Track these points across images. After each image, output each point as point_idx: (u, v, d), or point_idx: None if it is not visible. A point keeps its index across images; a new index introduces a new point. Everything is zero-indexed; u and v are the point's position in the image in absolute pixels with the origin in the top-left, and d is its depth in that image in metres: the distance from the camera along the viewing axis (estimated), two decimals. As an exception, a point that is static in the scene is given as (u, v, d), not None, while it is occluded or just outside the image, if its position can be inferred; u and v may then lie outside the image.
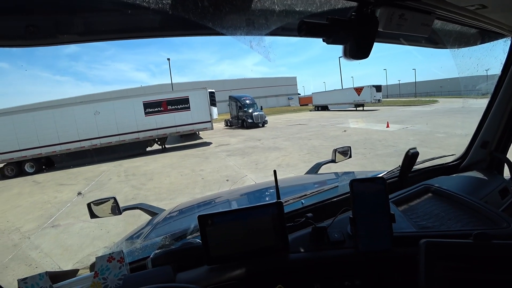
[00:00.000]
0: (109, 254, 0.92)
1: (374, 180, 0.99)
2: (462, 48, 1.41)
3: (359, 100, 31.16)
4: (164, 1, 0.61)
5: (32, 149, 14.22)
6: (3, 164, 14.12)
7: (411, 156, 1.43)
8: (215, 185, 7.14)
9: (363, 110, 30.43)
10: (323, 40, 0.74)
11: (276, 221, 0.97)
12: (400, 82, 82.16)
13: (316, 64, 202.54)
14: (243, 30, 0.73)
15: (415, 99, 48.01)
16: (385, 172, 1.61)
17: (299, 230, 1.12)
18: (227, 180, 7.42)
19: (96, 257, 0.92)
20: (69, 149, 14.77)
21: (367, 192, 0.97)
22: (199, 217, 0.94)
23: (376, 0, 0.79)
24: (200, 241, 1.00)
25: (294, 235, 1.08)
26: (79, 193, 7.87)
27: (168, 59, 39.57)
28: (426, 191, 1.35)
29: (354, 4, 0.80)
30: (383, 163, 7.30)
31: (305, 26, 0.68)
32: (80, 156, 14.79)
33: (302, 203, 1.34)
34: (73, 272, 1.00)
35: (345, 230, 1.06)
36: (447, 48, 1.39)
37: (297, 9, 0.78)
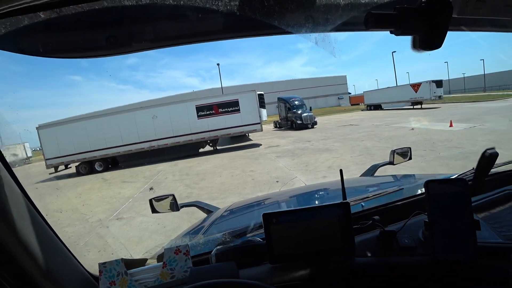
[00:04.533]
0: (176, 246, 0.97)
1: (453, 182, 0.89)
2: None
3: (416, 97, 28.65)
4: (231, 3, 0.63)
5: (100, 150, 16.00)
6: (78, 163, 16.14)
7: (488, 157, 1.25)
8: (265, 186, 7.20)
9: (421, 108, 27.97)
10: (391, 32, 0.70)
11: (342, 222, 0.93)
12: (465, 75, 74.24)
13: (367, 61, 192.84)
14: (307, 27, 0.72)
15: (484, 93, 42.91)
16: (456, 175, 1.44)
17: (365, 233, 1.05)
18: (277, 181, 7.42)
19: (164, 249, 0.98)
20: (131, 150, 16.25)
21: (446, 194, 0.86)
22: (264, 215, 0.93)
23: None
24: (261, 239, 1.01)
25: (359, 237, 1.02)
26: (151, 188, 8.56)
27: (218, 64, 41.19)
28: (510, 198, 1.19)
29: None
30: (446, 166, 6.62)
31: (373, 18, 0.65)
32: (140, 156, 16.18)
33: (362, 206, 1.27)
34: (143, 261, 1.08)
35: (416, 235, 0.97)
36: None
37: (363, 1, 0.75)
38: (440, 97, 27.70)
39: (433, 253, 0.86)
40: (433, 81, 27.25)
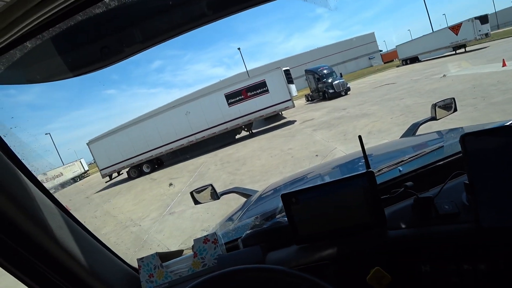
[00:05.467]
0: (205, 236, 1.02)
1: (496, 132, 0.72)
2: None
3: (458, 40, 25.40)
4: None
5: (145, 153, 17.09)
6: (128, 168, 17.49)
7: None
8: (305, 161, 7.14)
9: (465, 51, 24.89)
10: None
11: (368, 194, 0.84)
12: (517, 2, 64.59)
13: (394, 12, 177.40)
14: None
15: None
16: (510, 122, 1.23)
17: (397, 202, 0.94)
18: (317, 155, 7.33)
19: (194, 240, 1.03)
20: (172, 148, 17.12)
21: (488, 149, 0.72)
22: (283, 195, 0.89)
23: None
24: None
25: (391, 208, 0.91)
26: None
27: (239, 49, 40.84)
28: None
29: None
30: (502, 113, 5.84)
31: None
32: (182, 152, 16.99)
33: (400, 171, 1.14)
34: (179, 252, 1.15)
35: (458, 200, 0.83)
36: None
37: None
38: (487, 34, 24.41)
39: (477, 220, 0.73)
40: (476, 18, 23.95)
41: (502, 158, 0.71)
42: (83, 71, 0.79)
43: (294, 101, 17.14)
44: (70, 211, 0.92)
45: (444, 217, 0.80)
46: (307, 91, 26.31)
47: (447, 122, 2.11)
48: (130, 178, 17.20)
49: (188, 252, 1.11)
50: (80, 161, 29.86)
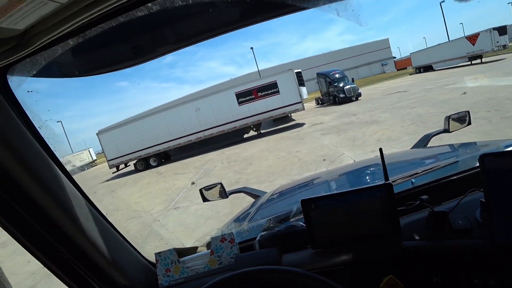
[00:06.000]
0: (222, 235, 1.05)
1: None
2: None
3: (474, 51, 24.82)
4: None
5: (153, 147, 17.25)
6: (135, 161, 17.69)
7: None
8: (312, 165, 7.14)
9: (481, 63, 24.28)
10: None
11: (385, 205, 0.88)
12: (536, 17, 63.27)
13: (410, 18, 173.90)
14: None
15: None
16: None
17: (412, 213, 0.98)
18: (324, 159, 7.32)
19: (211, 238, 1.06)
20: (180, 143, 17.24)
21: (506, 170, 0.74)
22: (302, 201, 0.92)
23: None
24: (304, 224, 1.01)
25: (406, 219, 0.95)
26: (193, 183, 9.05)
27: (251, 48, 40.87)
28: None
29: None
30: (517, 127, 5.80)
31: None
32: (189, 148, 17.13)
33: (412, 183, 1.17)
34: (193, 249, 1.18)
35: (472, 216, 0.86)
36: None
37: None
38: (504, 46, 23.75)
39: (491, 237, 0.76)
40: (494, 29, 23.45)
41: None
42: (115, 67, 0.83)
43: (304, 104, 17.09)
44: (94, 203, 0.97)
45: (458, 232, 0.83)
46: (318, 94, 26.21)
47: (460, 133, 2.09)
48: (136, 170, 17.40)
49: (203, 250, 1.15)
50: (89, 150, 30.32)
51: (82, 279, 0.86)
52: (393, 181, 1.17)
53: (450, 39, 31.73)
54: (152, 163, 17.46)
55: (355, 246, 0.91)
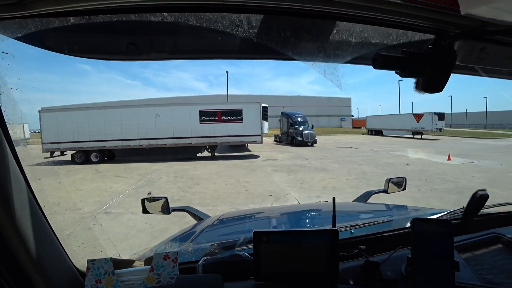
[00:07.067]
0: (166, 252, 0.98)
1: (439, 222, 0.94)
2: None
3: (418, 127, 29.25)
4: (250, 30, 0.67)
5: (99, 142, 15.95)
6: (74, 151, 16.12)
7: (479, 198, 1.28)
8: (258, 198, 7.18)
9: (421, 138, 28.42)
10: (396, 73, 0.73)
11: (329, 249, 0.95)
12: (468, 111, 75.41)
13: (373, 86, 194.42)
14: (318, 58, 0.76)
15: (485, 131, 43.51)
16: (446, 212, 1.48)
17: (350, 260, 1.08)
18: (271, 195, 7.40)
19: (154, 253, 0.99)
20: (129, 145, 16.23)
21: (430, 234, 0.91)
22: (255, 232, 0.95)
23: (456, 34, 0.76)
24: (249, 255, 1.02)
25: (345, 264, 1.04)
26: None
27: (227, 72, 41.49)
28: (495, 241, 1.21)
29: (431, 37, 0.78)
30: (440, 200, 6.65)
31: (381, 59, 0.68)
32: (138, 153, 16.21)
33: (352, 233, 1.29)
34: (130, 262, 1.09)
35: (398, 269, 1.00)
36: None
37: (373, 41, 0.79)
38: (441, 129, 28.26)
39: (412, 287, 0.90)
40: (435, 113, 27.80)
41: (438, 244, 0.91)
42: (104, 57, 0.82)
43: (263, 138, 17.49)
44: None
45: (386, 282, 0.95)
46: (278, 132, 27.12)
47: (395, 195, 2.33)
48: (73, 162, 15.84)
49: (139, 264, 1.06)
50: (23, 126, 27.08)
51: None
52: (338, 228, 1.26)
53: (401, 113, 36.15)
54: (93, 158, 16.08)
55: (296, 284, 0.96)
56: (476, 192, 1.29)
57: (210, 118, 16.59)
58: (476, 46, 0.79)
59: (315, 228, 0.99)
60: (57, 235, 0.93)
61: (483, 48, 0.80)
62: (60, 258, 0.93)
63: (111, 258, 0.95)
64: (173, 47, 0.80)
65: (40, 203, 0.87)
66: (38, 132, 17.21)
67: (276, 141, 26.72)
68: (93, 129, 15.90)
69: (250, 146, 18.96)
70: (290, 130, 23.59)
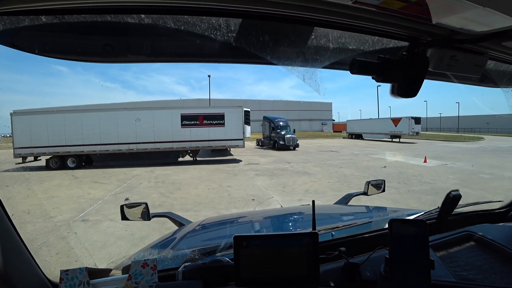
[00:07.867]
0: (144, 260, 0.95)
1: (415, 223, 0.97)
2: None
3: (395, 131, 30.35)
4: (229, 34, 0.67)
5: (76, 146, 15.32)
6: (49, 156, 15.37)
7: (452, 199, 1.34)
8: (240, 203, 7.14)
9: (399, 142, 29.49)
10: (373, 78, 0.76)
11: (309, 252, 0.96)
12: (442, 115, 79.07)
13: (352, 91, 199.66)
14: (297, 63, 0.77)
15: (457, 134, 45.75)
16: (422, 213, 1.54)
17: (330, 262, 1.09)
18: (253, 199, 7.39)
19: (132, 261, 0.96)
20: (108, 150, 15.68)
21: (407, 234, 0.94)
22: (235, 237, 0.94)
23: (428, 42, 0.80)
24: (230, 260, 1.01)
25: (325, 267, 1.06)
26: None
27: (209, 76, 41.31)
28: (468, 239, 1.27)
29: (405, 44, 0.82)
30: (417, 200, 6.91)
31: (357, 65, 0.71)
32: (117, 158, 15.67)
33: (332, 235, 1.31)
34: (107, 271, 1.05)
35: (377, 269, 1.02)
36: (499, 88, 1.33)
37: (350, 47, 0.81)
38: (417, 133, 29.44)
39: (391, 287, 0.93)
40: (412, 118, 28.96)
41: (414, 243, 0.94)
42: (79, 58, 0.79)
43: (245, 142, 17.47)
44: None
45: (366, 282, 0.98)
46: (260, 136, 27.22)
47: (375, 197, 2.39)
48: (48, 168, 15.08)
49: (117, 273, 1.02)
50: (-8, 130, 25.66)
51: None
52: (318, 231, 1.27)
53: (379, 117, 37.38)
54: (70, 164, 15.38)
55: (277, 287, 0.96)
56: (449, 193, 1.35)
57: (192, 122, 16.38)
58: (447, 53, 0.83)
59: (297, 231, 0.99)
60: (26, 245, 0.88)
61: (453, 55, 0.84)
62: (30, 269, 0.88)
63: (86, 267, 0.91)
64: (151, 49, 0.78)
65: (8, 212, 0.82)
66: (10, 136, 16.32)
67: (258, 145, 26.79)
68: (70, 133, 15.25)
69: (232, 151, 18.91)
70: (272, 134, 23.74)
